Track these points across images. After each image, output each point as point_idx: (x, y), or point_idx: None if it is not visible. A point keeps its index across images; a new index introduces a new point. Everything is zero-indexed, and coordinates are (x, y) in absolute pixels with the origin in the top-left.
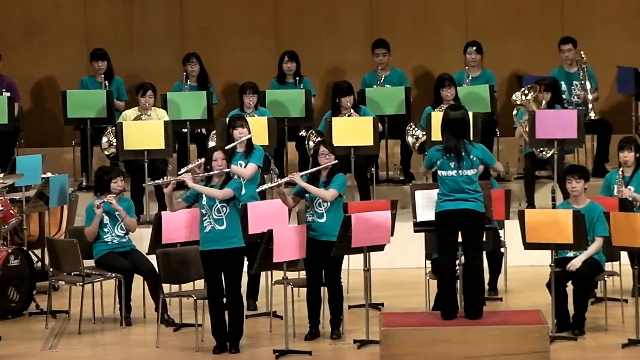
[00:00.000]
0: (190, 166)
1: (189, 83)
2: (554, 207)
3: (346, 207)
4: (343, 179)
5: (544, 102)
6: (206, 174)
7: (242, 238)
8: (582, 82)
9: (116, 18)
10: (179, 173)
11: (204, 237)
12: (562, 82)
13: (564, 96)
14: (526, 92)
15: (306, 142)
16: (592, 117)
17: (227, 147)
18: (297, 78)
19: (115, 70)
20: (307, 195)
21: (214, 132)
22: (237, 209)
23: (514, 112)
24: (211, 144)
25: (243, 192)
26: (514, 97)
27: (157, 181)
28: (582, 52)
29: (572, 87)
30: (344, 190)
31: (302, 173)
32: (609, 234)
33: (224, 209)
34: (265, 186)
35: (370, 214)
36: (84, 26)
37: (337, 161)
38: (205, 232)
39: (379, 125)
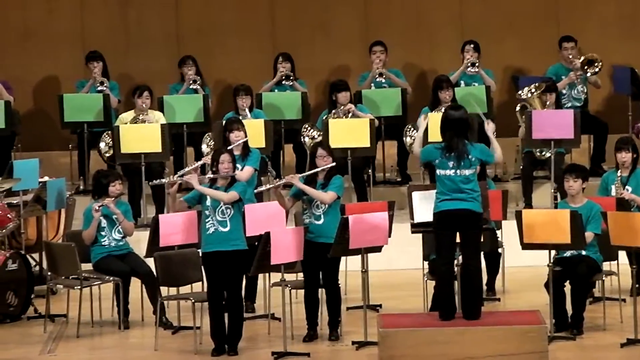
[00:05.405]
0: (187, 169)
1: (185, 79)
2: (556, 207)
3: (343, 209)
4: (341, 181)
5: (548, 102)
6: (212, 176)
7: (245, 241)
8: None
9: (112, 21)
10: (176, 176)
11: (207, 239)
12: (563, 77)
13: (564, 91)
14: (533, 89)
15: (302, 138)
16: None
17: None
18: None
19: (111, 73)
20: (304, 197)
21: (207, 134)
22: (241, 212)
23: (517, 108)
24: (204, 147)
25: None
26: (520, 92)
27: (162, 180)
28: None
29: (573, 90)
30: (342, 192)
31: (300, 175)
32: (601, 231)
33: (229, 210)
34: (263, 187)
35: (368, 216)
36: (80, 30)
37: (334, 163)
38: (208, 233)
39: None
